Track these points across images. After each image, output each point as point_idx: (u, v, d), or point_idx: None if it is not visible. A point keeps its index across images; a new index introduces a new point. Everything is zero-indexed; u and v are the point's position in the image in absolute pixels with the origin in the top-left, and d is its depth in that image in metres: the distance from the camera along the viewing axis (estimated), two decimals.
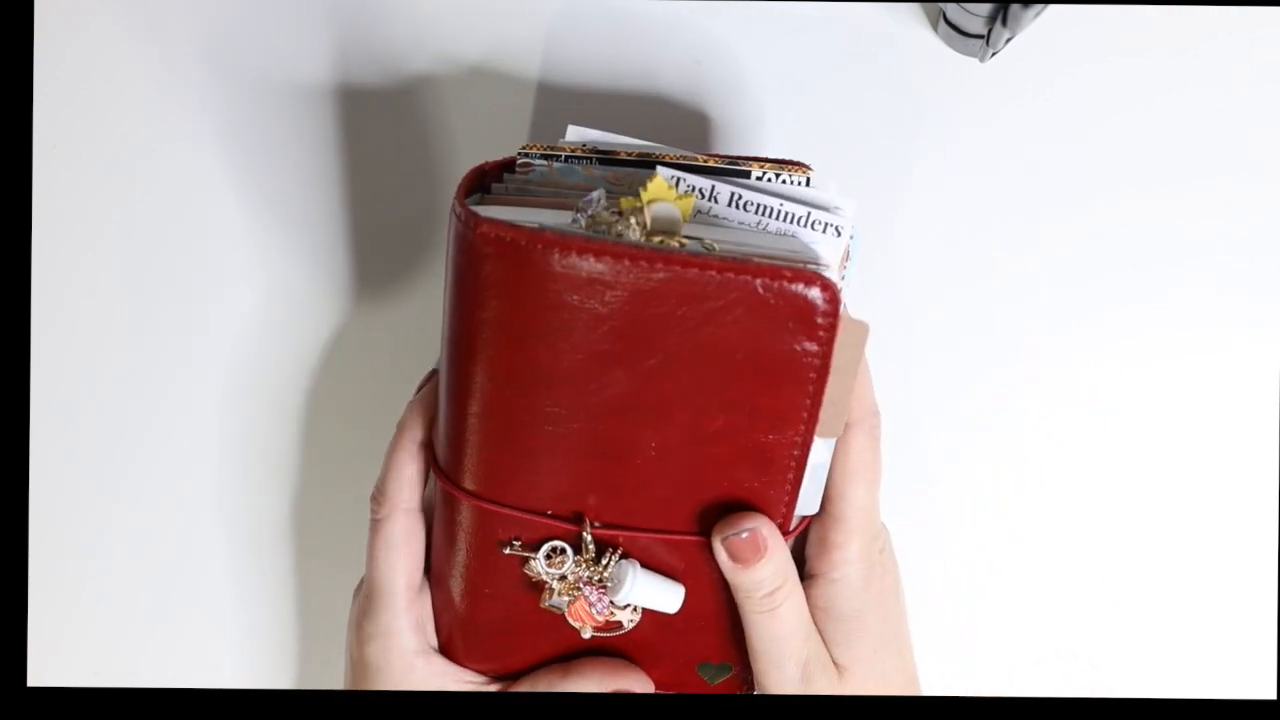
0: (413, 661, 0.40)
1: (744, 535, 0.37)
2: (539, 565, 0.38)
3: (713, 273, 0.33)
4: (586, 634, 0.39)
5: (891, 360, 0.47)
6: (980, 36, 0.44)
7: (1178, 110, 0.47)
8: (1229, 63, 0.47)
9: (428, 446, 0.40)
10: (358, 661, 0.41)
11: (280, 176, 0.48)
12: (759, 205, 0.37)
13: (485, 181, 0.39)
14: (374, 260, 0.48)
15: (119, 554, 0.49)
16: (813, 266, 0.35)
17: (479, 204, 0.37)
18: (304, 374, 0.49)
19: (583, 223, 0.35)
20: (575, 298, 0.33)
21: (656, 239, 0.34)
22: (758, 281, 0.33)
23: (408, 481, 0.40)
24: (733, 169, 0.38)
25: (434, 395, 0.39)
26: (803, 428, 0.36)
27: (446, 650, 0.41)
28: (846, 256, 0.38)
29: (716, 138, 0.47)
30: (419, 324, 0.48)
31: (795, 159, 0.39)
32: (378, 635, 0.40)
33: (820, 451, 0.38)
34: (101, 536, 0.49)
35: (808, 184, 0.38)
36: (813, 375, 0.34)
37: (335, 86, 0.48)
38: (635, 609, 0.39)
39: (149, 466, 0.49)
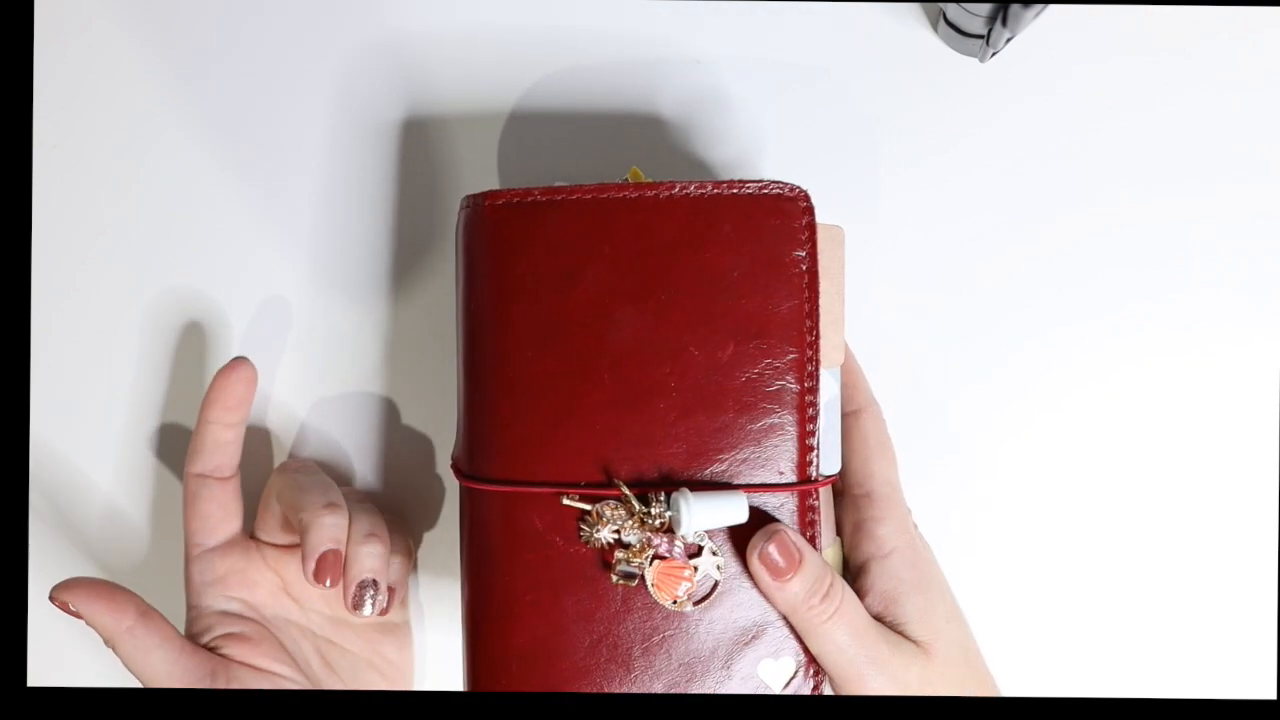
0: None
1: (770, 546, 0.36)
2: (603, 513, 0.37)
3: (700, 191, 0.38)
4: (689, 609, 0.37)
5: (892, 359, 0.47)
6: (980, 36, 0.45)
7: (1178, 110, 0.47)
8: (1229, 63, 0.47)
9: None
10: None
11: (280, 177, 0.48)
12: None
13: None
14: (374, 265, 0.48)
15: (119, 553, 0.49)
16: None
17: None
18: (300, 372, 0.49)
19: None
20: (578, 240, 0.38)
21: None
22: (738, 193, 0.38)
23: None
24: None
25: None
26: (807, 346, 0.38)
27: (504, 682, 0.39)
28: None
29: (714, 138, 0.47)
30: (415, 327, 0.48)
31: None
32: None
33: (829, 386, 0.39)
34: (101, 536, 0.49)
35: None
36: (804, 280, 0.38)
37: (334, 86, 0.48)
38: (715, 551, 0.38)
39: (148, 466, 0.49)
